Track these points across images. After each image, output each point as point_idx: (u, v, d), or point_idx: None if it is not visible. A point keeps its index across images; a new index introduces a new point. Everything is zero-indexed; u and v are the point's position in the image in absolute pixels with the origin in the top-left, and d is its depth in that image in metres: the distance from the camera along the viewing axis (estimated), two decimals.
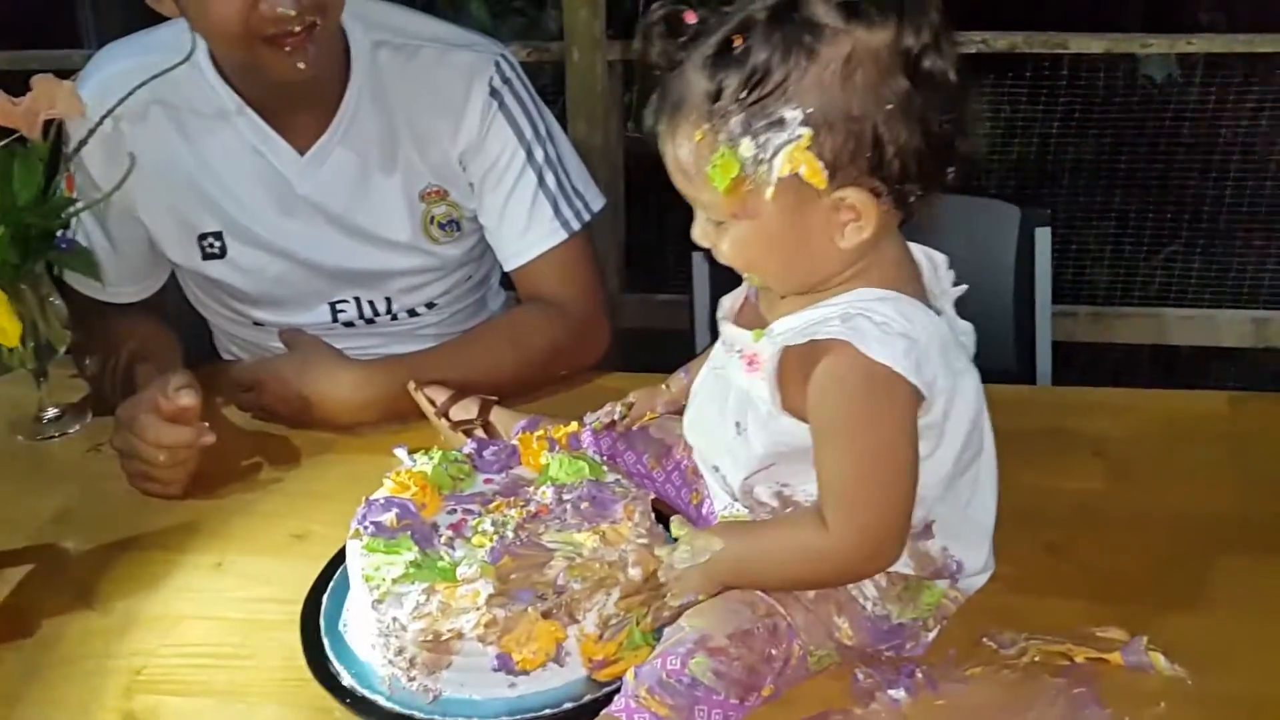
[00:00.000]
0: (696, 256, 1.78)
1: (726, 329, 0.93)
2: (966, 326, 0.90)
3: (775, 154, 0.76)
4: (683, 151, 0.80)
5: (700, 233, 0.86)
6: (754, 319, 0.91)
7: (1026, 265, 1.71)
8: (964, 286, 0.90)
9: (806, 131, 0.76)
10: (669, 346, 1.13)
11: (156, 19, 1.31)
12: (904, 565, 0.88)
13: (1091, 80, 2.83)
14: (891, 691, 0.86)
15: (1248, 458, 1.16)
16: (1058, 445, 1.19)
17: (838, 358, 0.80)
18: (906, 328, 0.80)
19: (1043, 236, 1.71)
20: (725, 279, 1.06)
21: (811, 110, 0.75)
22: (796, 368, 0.83)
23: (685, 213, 0.87)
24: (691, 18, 0.79)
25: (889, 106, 0.76)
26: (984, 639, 0.91)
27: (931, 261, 0.90)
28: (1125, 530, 1.00)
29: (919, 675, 0.88)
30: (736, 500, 0.94)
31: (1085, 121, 2.84)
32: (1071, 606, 0.94)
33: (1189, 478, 1.14)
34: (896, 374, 0.78)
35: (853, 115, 0.76)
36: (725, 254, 0.86)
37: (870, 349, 0.78)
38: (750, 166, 0.77)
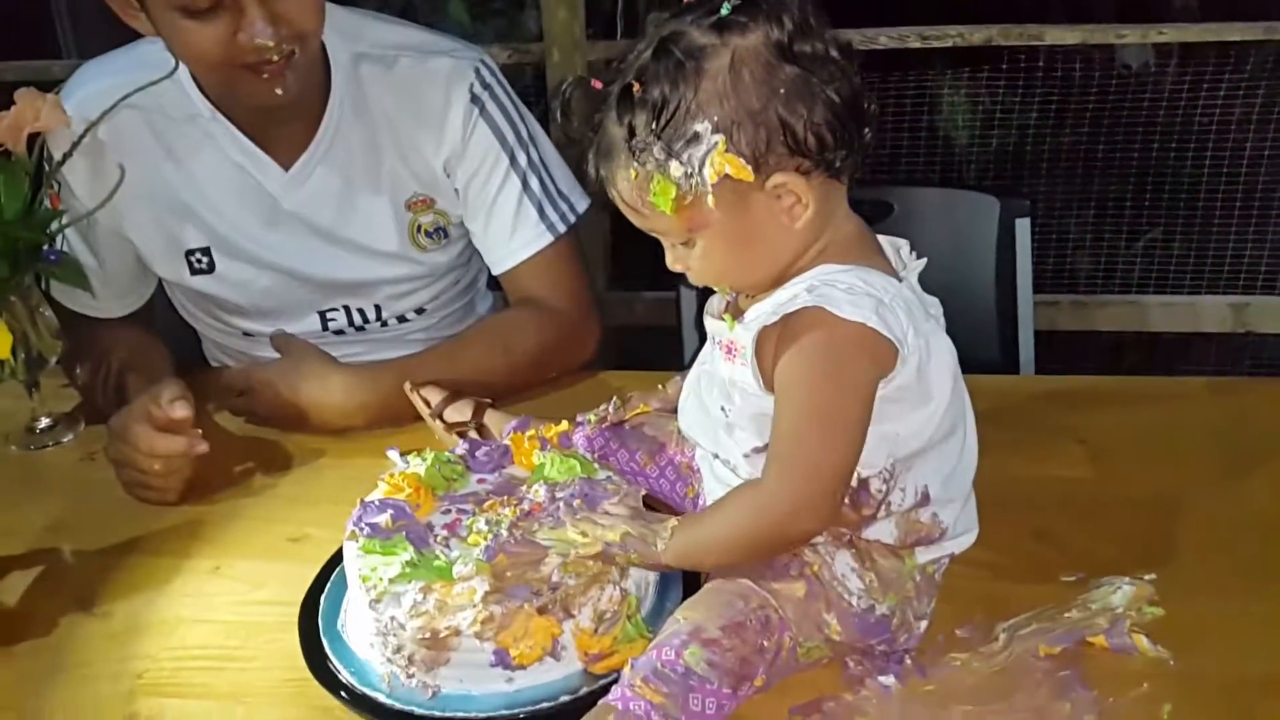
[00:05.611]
0: None
1: (709, 323, 0.96)
2: (934, 300, 0.93)
3: (701, 165, 0.83)
4: (624, 192, 0.87)
5: (673, 259, 0.92)
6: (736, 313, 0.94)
7: (1008, 255, 1.73)
8: (924, 260, 0.93)
9: (720, 137, 0.82)
10: (656, 343, 1.15)
11: (135, 31, 1.30)
12: (887, 535, 0.90)
13: (1069, 70, 2.85)
14: (881, 678, 0.88)
15: (1226, 441, 1.19)
16: (1042, 433, 1.20)
17: (810, 324, 0.84)
18: (870, 290, 0.85)
19: (1022, 227, 1.73)
20: None
21: (717, 118, 0.82)
22: (771, 347, 0.87)
23: None
24: (599, 85, 0.87)
25: (782, 91, 0.82)
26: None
27: (894, 245, 0.94)
28: (1109, 516, 1.02)
29: (908, 662, 0.90)
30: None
31: (1063, 110, 2.86)
32: (1058, 591, 0.96)
33: (1171, 462, 1.16)
34: (869, 329, 0.82)
35: (754, 110, 0.82)
36: (696, 271, 0.91)
37: (841, 310, 0.83)
38: (685, 183, 0.83)
